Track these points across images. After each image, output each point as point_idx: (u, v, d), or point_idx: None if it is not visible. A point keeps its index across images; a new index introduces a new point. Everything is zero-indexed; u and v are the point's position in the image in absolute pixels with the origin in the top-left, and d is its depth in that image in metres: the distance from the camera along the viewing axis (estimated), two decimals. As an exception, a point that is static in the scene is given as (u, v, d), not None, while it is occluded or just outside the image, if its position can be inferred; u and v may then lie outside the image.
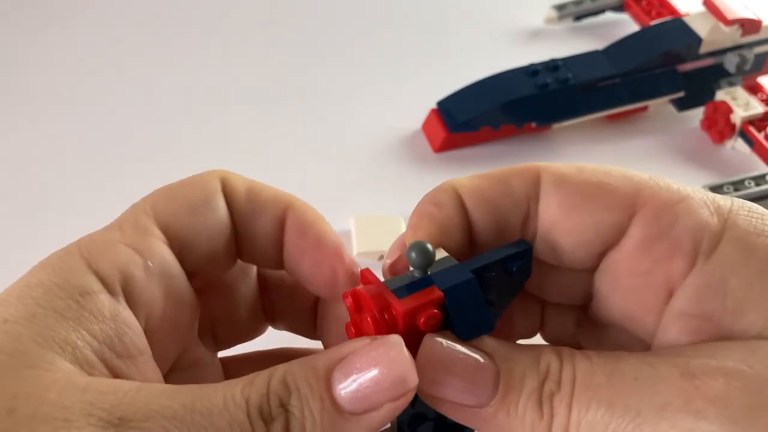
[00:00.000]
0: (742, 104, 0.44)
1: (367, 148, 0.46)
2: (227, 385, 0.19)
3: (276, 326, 0.27)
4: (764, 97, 0.45)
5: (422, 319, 0.20)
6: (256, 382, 0.19)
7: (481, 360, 0.20)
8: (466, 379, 0.20)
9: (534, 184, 0.22)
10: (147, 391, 0.18)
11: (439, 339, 0.20)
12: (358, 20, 0.57)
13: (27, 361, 0.18)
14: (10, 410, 0.17)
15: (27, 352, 0.18)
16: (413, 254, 0.20)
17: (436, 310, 0.20)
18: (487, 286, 0.21)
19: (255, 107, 0.49)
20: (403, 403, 0.19)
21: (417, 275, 0.21)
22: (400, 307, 0.20)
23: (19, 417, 0.17)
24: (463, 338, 0.20)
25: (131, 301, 0.21)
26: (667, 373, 0.19)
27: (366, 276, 0.21)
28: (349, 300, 0.21)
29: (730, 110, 0.44)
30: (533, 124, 0.45)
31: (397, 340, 0.19)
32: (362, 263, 0.38)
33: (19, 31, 0.55)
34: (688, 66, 0.46)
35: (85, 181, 0.44)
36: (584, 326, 0.25)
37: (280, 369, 0.19)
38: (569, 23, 0.55)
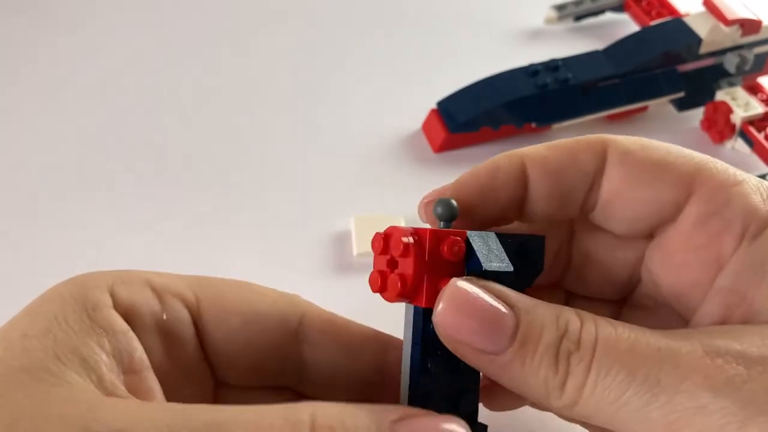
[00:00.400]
0: (742, 104, 0.44)
1: (367, 148, 0.46)
2: (245, 411, 0.18)
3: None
4: (764, 97, 0.45)
5: (446, 247, 0.21)
6: (298, 415, 0.18)
7: (502, 308, 0.20)
8: (485, 324, 0.20)
9: (601, 157, 0.23)
10: (152, 408, 0.18)
11: (464, 282, 0.20)
12: (357, 20, 0.57)
13: (37, 376, 0.18)
14: (9, 425, 0.17)
15: (38, 367, 0.18)
16: (439, 208, 0.22)
17: (459, 239, 0.21)
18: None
19: (255, 107, 0.49)
20: None
21: (442, 227, 0.22)
22: (427, 229, 0.21)
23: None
24: (483, 268, 0.21)
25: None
26: (690, 348, 0.19)
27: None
28: (378, 241, 0.22)
29: (730, 110, 0.44)
30: (533, 124, 0.45)
31: (457, 419, 0.19)
32: (362, 263, 0.39)
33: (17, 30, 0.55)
34: (688, 66, 0.46)
35: (84, 182, 0.44)
36: None
37: (333, 410, 0.18)
38: (569, 23, 0.55)
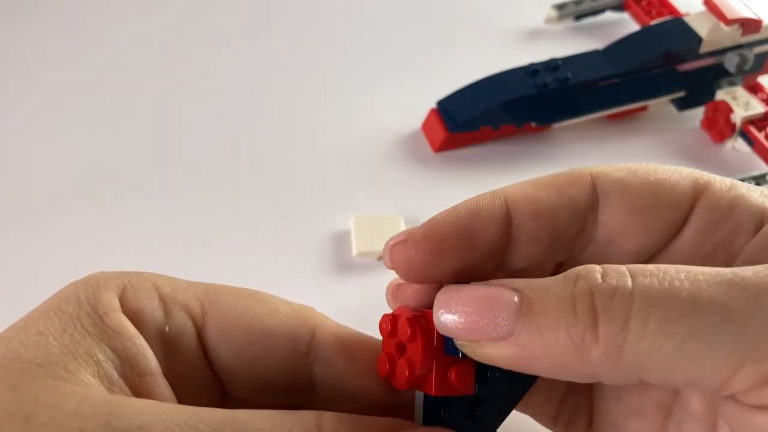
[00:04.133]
0: (742, 104, 0.44)
1: (366, 148, 0.46)
2: (263, 414, 0.18)
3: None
4: (764, 96, 0.45)
5: (453, 374, 0.20)
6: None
7: (500, 289, 0.19)
8: (486, 308, 0.19)
9: (591, 191, 0.22)
10: (168, 407, 0.18)
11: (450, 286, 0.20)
12: (357, 20, 0.57)
13: (53, 372, 0.18)
14: (27, 417, 0.17)
15: (54, 364, 0.18)
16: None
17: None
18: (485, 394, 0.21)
19: (255, 107, 0.49)
20: None
21: None
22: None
23: (34, 424, 0.17)
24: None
25: None
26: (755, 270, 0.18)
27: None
28: (386, 323, 0.21)
29: (730, 110, 0.44)
30: (533, 124, 0.45)
31: None
32: (362, 263, 0.39)
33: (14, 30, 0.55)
34: (688, 66, 0.46)
35: (86, 183, 0.44)
36: None
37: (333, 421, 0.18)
38: (569, 23, 0.55)
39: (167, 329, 0.21)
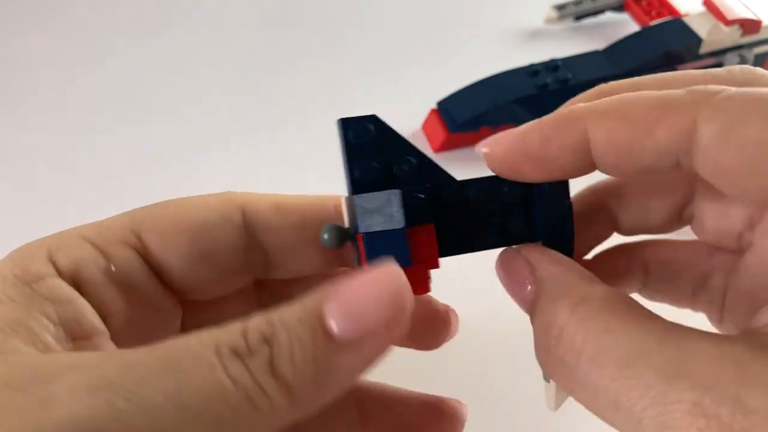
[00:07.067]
0: (742, 104, 0.44)
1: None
2: (196, 333, 0.17)
3: None
4: (764, 97, 0.45)
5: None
6: (230, 326, 0.17)
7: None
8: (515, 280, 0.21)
9: (687, 137, 0.19)
10: (111, 352, 0.18)
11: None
12: (357, 20, 0.57)
13: None
14: None
15: None
16: (326, 235, 0.21)
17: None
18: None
19: (255, 107, 0.49)
20: (400, 331, 0.18)
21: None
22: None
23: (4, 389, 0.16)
24: (360, 231, 0.21)
25: (88, 299, 0.21)
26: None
27: None
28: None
29: (730, 110, 0.44)
30: (533, 124, 0.45)
31: (391, 263, 0.18)
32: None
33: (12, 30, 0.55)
34: (688, 66, 0.46)
35: (84, 182, 0.44)
36: None
37: (261, 314, 0.18)
38: (569, 23, 0.55)
39: (113, 269, 0.21)
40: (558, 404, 0.23)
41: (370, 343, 0.17)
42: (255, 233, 0.23)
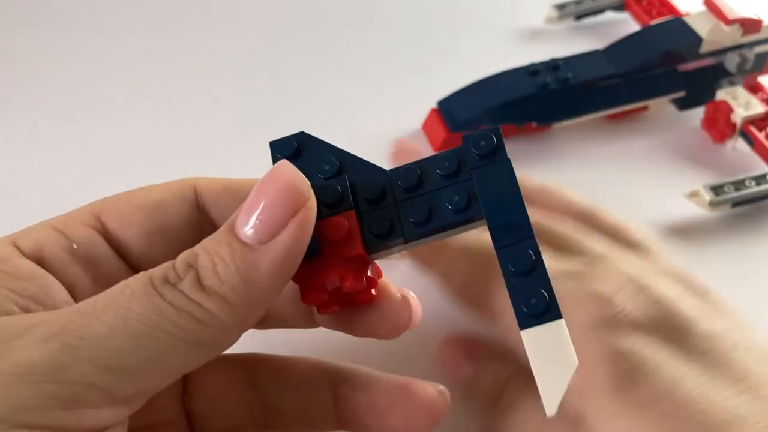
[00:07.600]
0: (742, 104, 0.44)
1: (367, 148, 0.46)
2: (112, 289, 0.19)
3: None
4: (765, 96, 0.45)
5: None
6: (160, 265, 0.20)
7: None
8: None
9: None
10: (66, 308, 0.19)
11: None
12: (357, 20, 0.57)
13: None
14: None
15: None
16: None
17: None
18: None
19: (254, 107, 0.49)
20: (306, 216, 0.20)
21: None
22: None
23: None
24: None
25: (55, 276, 0.22)
26: None
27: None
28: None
29: (730, 110, 0.44)
30: (533, 124, 0.45)
31: (282, 160, 0.21)
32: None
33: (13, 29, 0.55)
34: (689, 65, 0.46)
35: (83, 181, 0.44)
36: None
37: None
38: (570, 23, 0.55)
39: (75, 246, 0.22)
40: (555, 404, 0.22)
41: (284, 237, 0.19)
42: (206, 210, 0.25)
